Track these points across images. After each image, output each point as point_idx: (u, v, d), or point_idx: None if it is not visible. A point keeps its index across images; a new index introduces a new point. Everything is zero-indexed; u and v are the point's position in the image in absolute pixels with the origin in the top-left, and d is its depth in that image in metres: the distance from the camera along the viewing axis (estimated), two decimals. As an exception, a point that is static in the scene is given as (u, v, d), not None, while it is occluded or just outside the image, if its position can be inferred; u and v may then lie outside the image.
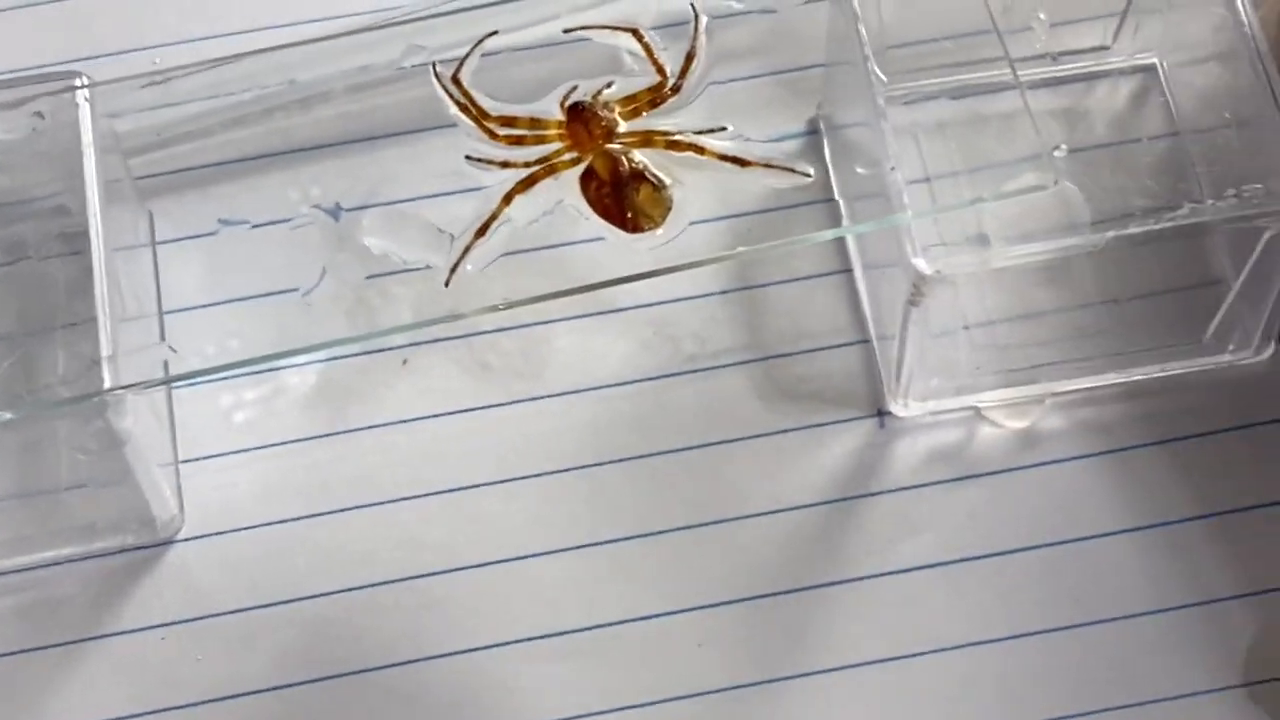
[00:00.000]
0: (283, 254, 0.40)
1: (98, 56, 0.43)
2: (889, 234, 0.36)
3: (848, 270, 0.41)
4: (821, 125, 0.42)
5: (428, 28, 0.39)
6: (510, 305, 0.36)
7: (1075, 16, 0.41)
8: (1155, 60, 0.42)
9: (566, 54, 0.39)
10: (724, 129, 0.38)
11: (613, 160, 0.37)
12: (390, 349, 0.40)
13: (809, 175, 0.37)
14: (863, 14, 0.38)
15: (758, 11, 0.41)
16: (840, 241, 0.41)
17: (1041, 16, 0.40)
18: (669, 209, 0.37)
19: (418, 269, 0.37)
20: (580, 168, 0.37)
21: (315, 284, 0.38)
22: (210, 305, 0.41)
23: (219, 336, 0.40)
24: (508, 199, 0.37)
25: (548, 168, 0.37)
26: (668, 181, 0.37)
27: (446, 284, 0.37)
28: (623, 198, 0.37)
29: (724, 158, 0.37)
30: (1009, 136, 0.40)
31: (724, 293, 0.41)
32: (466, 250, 0.37)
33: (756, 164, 0.37)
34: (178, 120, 0.42)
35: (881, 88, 0.37)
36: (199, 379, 0.40)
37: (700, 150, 0.37)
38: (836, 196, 0.41)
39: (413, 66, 0.39)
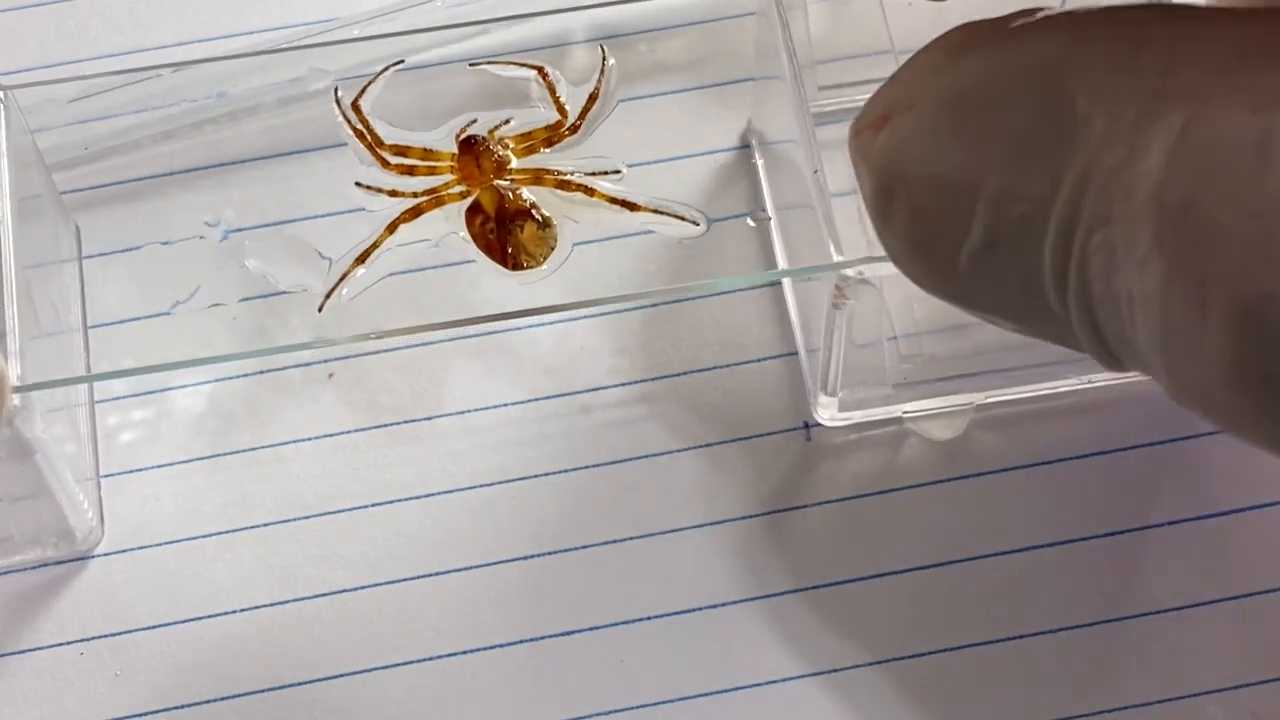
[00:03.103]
0: (205, 267, 0.40)
1: (25, 70, 0.43)
2: (816, 240, 0.36)
3: (777, 283, 0.41)
4: (753, 140, 0.42)
5: (333, 52, 0.39)
6: (382, 335, 0.36)
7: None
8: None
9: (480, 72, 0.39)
10: (618, 172, 0.37)
11: (499, 196, 0.37)
12: (315, 363, 0.40)
13: (698, 225, 0.37)
14: (790, 27, 0.38)
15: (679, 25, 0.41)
16: (769, 251, 0.41)
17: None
18: (553, 248, 0.37)
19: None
20: (467, 202, 0.37)
21: (188, 297, 0.38)
22: (137, 320, 0.40)
23: (143, 350, 0.40)
24: (391, 228, 0.37)
25: (435, 199, 0.37)
26: (554, 221, 0.37)
27: (320, 309, 0.37)
28: (506, 234, 0.37)
29: (613, 200, 0.37)
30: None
31: (651, 306, 0.40)
32: (343, 277, 0.37)
33: (646, 209, 0.37)
34: (106, 134, 0.42)
35: (806, 101, 0.37)
36: (122, 395, 0.40)
37: (590, 192, 0.37)
38: (769, 210, 0.41)
39: (315, 90, 0.39)
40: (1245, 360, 0.23)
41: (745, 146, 0.42)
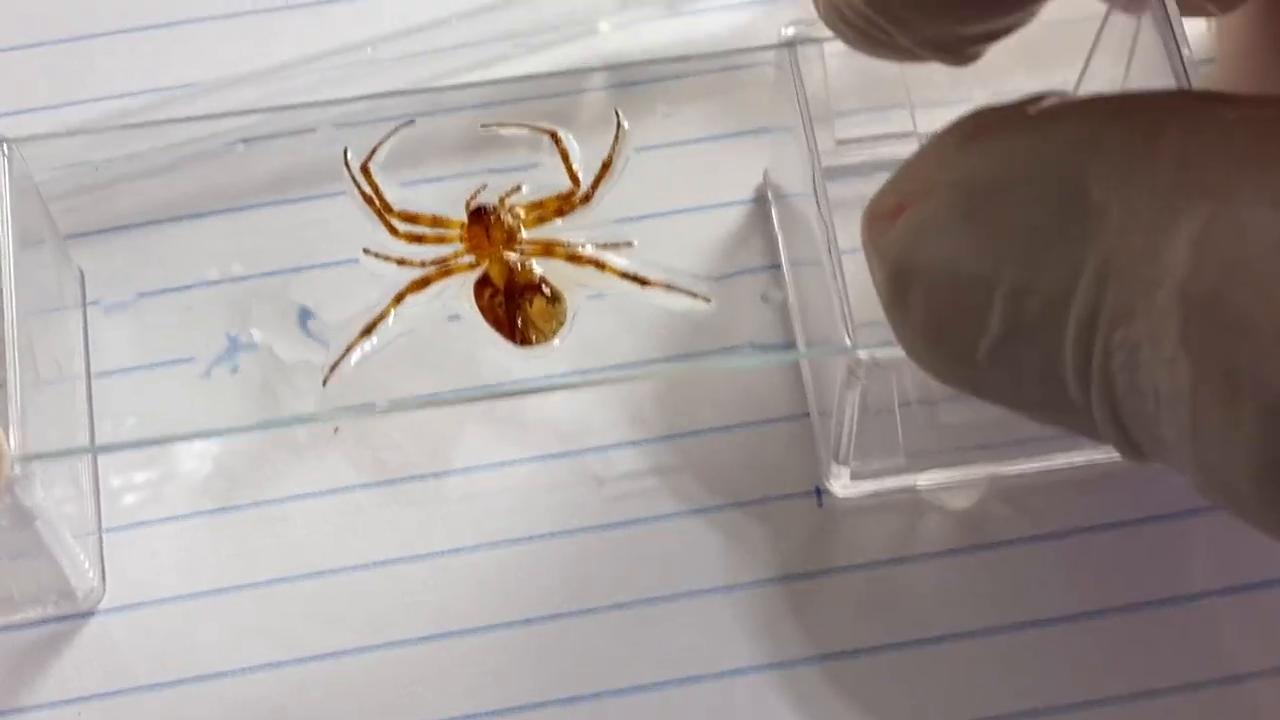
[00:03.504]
0: (212, 316, 0.39)
1: (32, 110, 0.42)
2: (829, 308, 0.35)
3: (791, 344, 0.40)
4: (769, 193, 0.41)
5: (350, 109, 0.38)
6: (388, 409, 0.36)
7: (1026, 87, 0.40)
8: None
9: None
10: (630, 244, 0.37)
11: (509, 268, 0.36)
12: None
13: (708, 301, 0.37)
14: (806, 78, 0.37)
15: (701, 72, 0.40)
16: (783, 310, 0.40)
17: (981, 94, 0.39)
18: (562, 323, 0.36)
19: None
20: (476, 273, 0.36)
21: (217, 360, 0.38)
22: (141, 369, 0.40)
23: (147, 403, 0.39)
24: (398, 298, 0.36)
25: (443, 270, 0.37)
26: (564, 295, 0.36)
27: (324, 383, 0.36)
28: (514, 308, 0.36)
29: (624, 275, 0.36)
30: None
31: (665, 361, 0.40)
32: (349, 349, 0.36)
33: (657, 284, 0.37)
34: (111, 179, 0.41)
35: (820, 157, 0.36)
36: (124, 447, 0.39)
37: (601, 265, 0.36)
38: (784, 266, 0.41)
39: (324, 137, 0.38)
40: (1276, 458, 0.22)
41: (762, 199, 0.41)
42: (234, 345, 0.39)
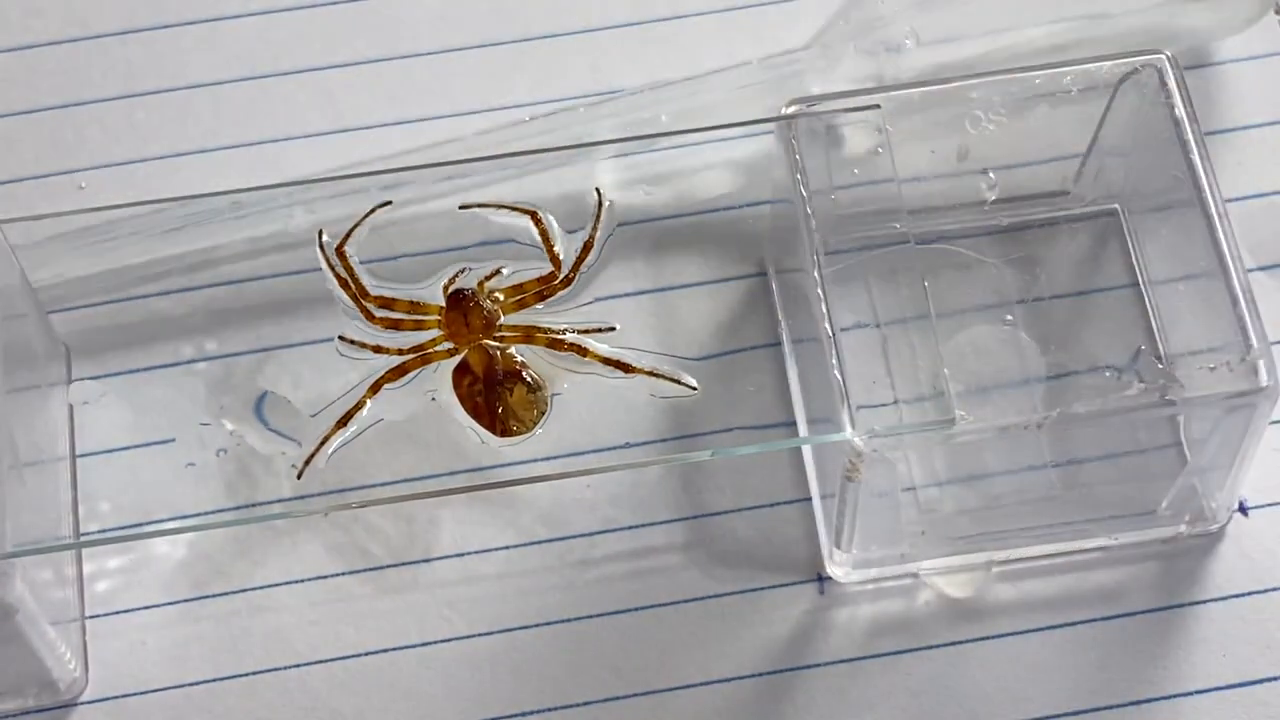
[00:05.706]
0: (196, 397, 0.38)
1: (20, 179, 0.42)
2: (829, 388, 0.34)
3: (791, 422, 0.39)
4: (770, 268, 0.40)
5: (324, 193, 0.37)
6: (365, 504, 0.35)
7: (1034, 159, 0.40)
8: (1117, 207, 0.40)
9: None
10: (612, 329, 0.36)
11: (488, 356, 0.35)
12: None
13: (694, 389, 0.36)
14: (807, 153, 0.37)
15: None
16: (784, 390, 0.39)
17: (992, 176, 0.38)
18: (543, 412, 0.35)
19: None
20: (455, 360, 0.35)
21: (198, 443, 0.37)
22: (123, 449, 0.39)
23: (129, 485, 0.38)
24: (374, 388, 0.35)
25: (421, 357, 0.36)
26: (544, 382, 0.35)
27: (299, 476, 0.35)
28: (494, 397, 0.35)
29: (607, 361, 0.35)
30: (962, 285, 0.38)
31: (661, 441, 0.39)
32: (323, 441, 0.35)
33: (640, 370, 0.36)
34: (98, 253, 0.40)
35: (819, 235, 0.35)
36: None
37: (583, 352, 0.35)
38: (784, 343, 0.40)
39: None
40: None
41: (762, 274, 0.40)
42: (214, 429, 0.38)
